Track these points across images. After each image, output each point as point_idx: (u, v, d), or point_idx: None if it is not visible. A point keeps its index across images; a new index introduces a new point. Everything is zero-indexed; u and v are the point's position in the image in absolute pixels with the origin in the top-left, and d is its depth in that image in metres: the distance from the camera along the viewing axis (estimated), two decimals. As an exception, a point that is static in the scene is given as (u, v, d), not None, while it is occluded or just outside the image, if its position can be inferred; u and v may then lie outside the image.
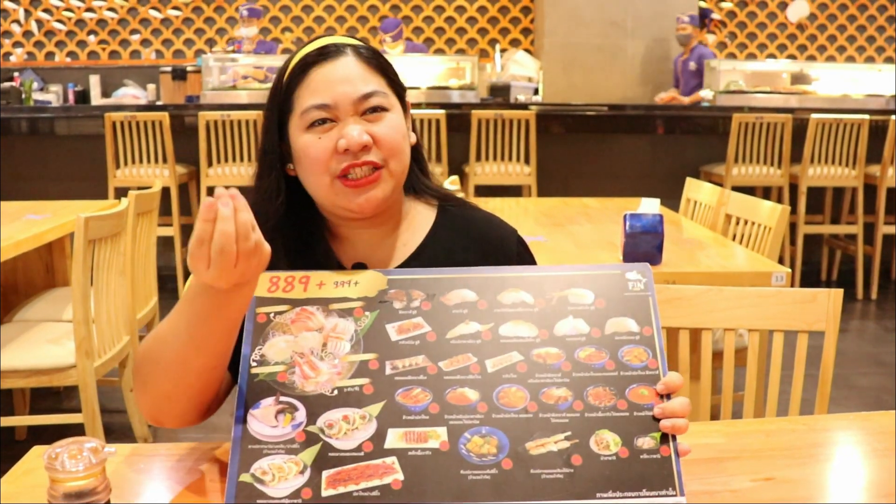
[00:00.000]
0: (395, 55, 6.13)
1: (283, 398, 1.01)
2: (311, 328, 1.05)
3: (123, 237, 2.73)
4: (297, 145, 1.17)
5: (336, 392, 1.01)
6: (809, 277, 5.43)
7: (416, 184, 1.31)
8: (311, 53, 1.19)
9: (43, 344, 2.61)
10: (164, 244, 5.01)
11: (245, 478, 0.95)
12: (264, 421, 0.99)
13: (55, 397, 3.48)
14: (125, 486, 1.02)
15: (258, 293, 1.07)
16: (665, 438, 1.00)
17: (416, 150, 1.28)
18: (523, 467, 0.97)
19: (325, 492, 0.94)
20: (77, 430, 2.60)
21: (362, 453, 0.97)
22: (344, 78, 1.17)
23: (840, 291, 1.56)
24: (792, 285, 2.89)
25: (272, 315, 1.06)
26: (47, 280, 3.46)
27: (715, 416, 2.08)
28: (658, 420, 1.00)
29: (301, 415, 0.99)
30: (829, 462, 1.13)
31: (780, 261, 3.20)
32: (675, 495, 0.97)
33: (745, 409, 1.65)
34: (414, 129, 1.29)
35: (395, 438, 0.98)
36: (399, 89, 1.24)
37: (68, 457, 0.81)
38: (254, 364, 1.03)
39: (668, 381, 1.02)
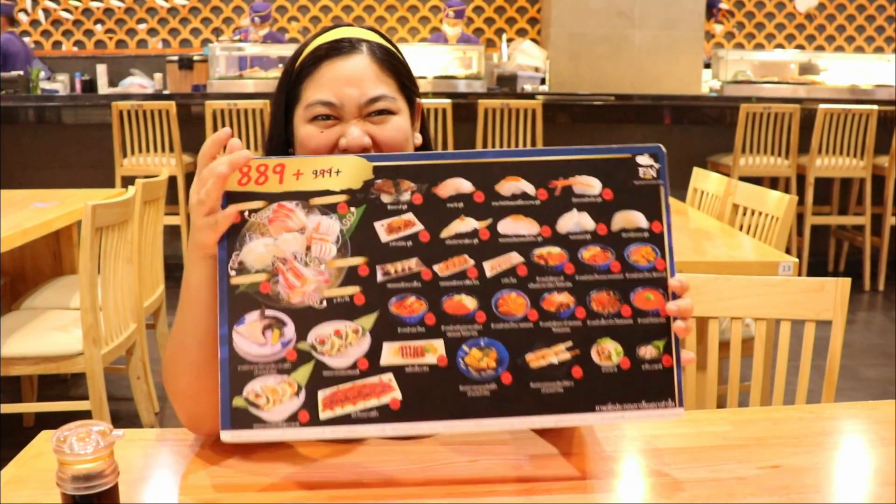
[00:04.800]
0: (451, 34, 6.18)
1: (268, 312, 0.94)
2: (291, 228, 0.96)
3: (130, 225, 2.74)
4: (299, 135, 1.17)
5: (325, 304, 0.94)
6: (816, 269, 5.41)
7: None
8: (324, 45, 1.17)
9: (50, 331, 2.62)
10: (171, 233, 5.02)
11: (238, 402, 0.91)
12: (251, 339, 0.93)
13: (62, 385, 3.49)
14: (133, 471, 1.02)
15: (229, 187, 0.97)
16: (668, 347, 0.97)
17: (423, 148, 1.27)
18: (523, 381, 0.94)
19: (323, 414, 0.92)
20: (84, 417, 2.61)
21: (357, 371, 0.93)
22: (353, 78, 1.14)
23: (848, 280, 1.56)
24: (799, 276, 2.88)
25: (247, 213, 0.96)
26: (55, 268, 3.48)
27: (721, 405, 2.08)
28: (662, 326, 0.97)
29: (290, 330, 0.93)
30: (835, 450, 1.13)
31: (788, 252, 3.19)
32: (674, 406, 0.96)
33: (751, 399, 1.65)
34: (424, 129, 1.27)
35: (390, 354, 0.94)
36: (410, 92, 1.21)
37: (77, 440, 0.81)
38: (232, 273, 0.94)
39: (683, 280, 0.99)
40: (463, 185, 0.98)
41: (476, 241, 0.97)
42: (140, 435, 1.13)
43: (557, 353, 0.95)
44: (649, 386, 0.95)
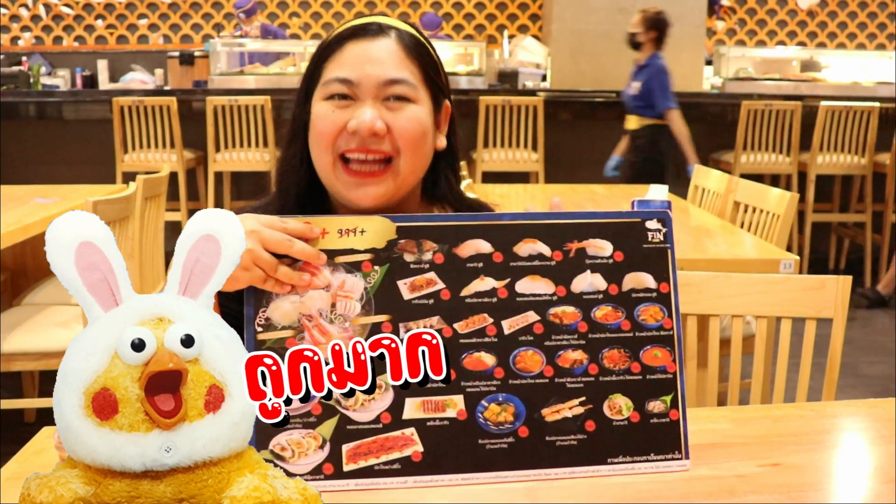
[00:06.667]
0: None
1: None
2: (317, 286, 0.99)
3: (132, 221, 2.74)
4: (313, 114, 1.15)
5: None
6: (817, 266, 5.41)
7: (442, 191, 1.24)
8: (352, 27, 1.16)
9: (52, 327, 2.62)
10: (172, 229, 5.01)
11: (264, 455, 0.94)
12: None
13: (64, 380, 3.49)
14: (134, 467, 1.02)
15: None
16: (675, 402, 1.02)
17: (450, 154, 1.24)
18: (539, 435, 0.98)
19: (347, 466, 0.95)
20: (85, 412, 2.61)
21: (380, 425, 0.96)
22: (376, 58, 1.12)
23: (848, 278, 1.56)
24: (800, 274, 2.88)
25: None
26: (56, 264, 3.47)
27: (722, 403, 2.08)
28: (669, 381, 1.02)
29: None
30: (835, 448, 1.13)
31: (789, 249, 3.19)
32: (681, 458, 1.00)
33: (752, 397, 1.65)
34: (453, 134, 1.23)
35: (412, 408, 0.97)
36: (435, 87, 1.17)
37: (78, 436, 0.81)
38: (259, 329, 0.97)
39: None
40: (482, 246, 1.02)
41: (495, 299, 1.01)
42: (141, 431, 1.13)
43: (571, 408, 0.99)
44: (657, 439, 1.00)
